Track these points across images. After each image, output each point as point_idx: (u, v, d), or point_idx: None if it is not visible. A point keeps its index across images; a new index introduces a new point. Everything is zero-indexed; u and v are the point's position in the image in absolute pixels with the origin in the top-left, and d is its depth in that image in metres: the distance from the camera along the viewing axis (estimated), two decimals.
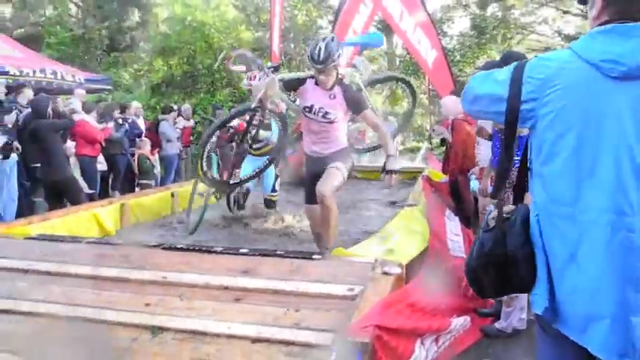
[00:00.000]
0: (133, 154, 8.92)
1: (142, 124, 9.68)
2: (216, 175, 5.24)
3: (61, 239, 3.57)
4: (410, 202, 4.80)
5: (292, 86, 4.11)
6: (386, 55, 20.67)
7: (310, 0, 17.85)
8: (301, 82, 4.05)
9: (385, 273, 2.69)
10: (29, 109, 6.85)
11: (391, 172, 3.77)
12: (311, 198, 4.03)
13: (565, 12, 16.68)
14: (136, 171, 8.90)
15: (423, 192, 5.30)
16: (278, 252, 3.07)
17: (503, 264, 1.62)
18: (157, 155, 9.45)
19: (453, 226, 5.02)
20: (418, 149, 9.89)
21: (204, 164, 4.65)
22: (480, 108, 1.73)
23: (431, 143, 10.61)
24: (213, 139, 4.69)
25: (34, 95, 7.16)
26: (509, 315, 3.76)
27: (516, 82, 1.57)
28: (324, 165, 3.97)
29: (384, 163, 3.83)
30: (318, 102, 3.92)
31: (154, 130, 9.87)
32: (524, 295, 3.68)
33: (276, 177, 6.01)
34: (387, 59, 20.89)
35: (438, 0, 20.27)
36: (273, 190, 6.07)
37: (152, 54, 16.72)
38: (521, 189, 1.75)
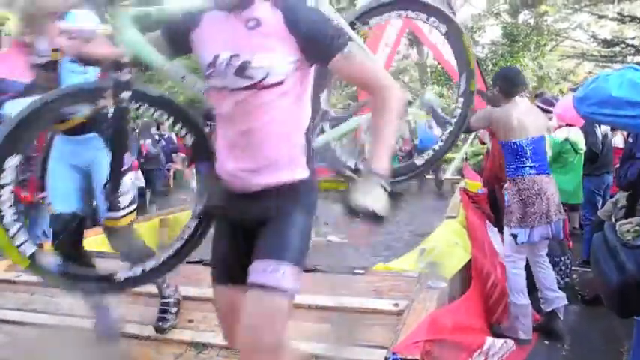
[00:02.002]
0: (169, 170, 9.07)
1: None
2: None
3: (103, 255, 3.60)
4: (448, 213, 4.71)
5: (177, 36, 1.93)
6: (417, 65, 20.60)
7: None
8: (190, 21, 1.86)
9: (430, 287, 2.64)
10: None
11: (359, 213, 1.52)
12: (223, 272, 1.92)
13: (600, 16, 16.29)
14: (171, 186, 9.06)
15: (461, 204, 5.19)
16: (319, 267, 3.03)
17: None
18: (193, 170, 9.58)
19: (495, 237, 4.90)
20: (451, 159, 9.65)
21: None
22: (611, 111, 1.63)
23: (465, 153, 10.39)
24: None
25: None
26: None
27: None
28: (257, 213, 1.76)
29: (352, 182, 1.96)
30: (227, 45, 1.72)
31: None
32: None
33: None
34: (418, 70, 20.81)
35: (469, 9, 20.05)
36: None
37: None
38: (635, 199, 1.69)
